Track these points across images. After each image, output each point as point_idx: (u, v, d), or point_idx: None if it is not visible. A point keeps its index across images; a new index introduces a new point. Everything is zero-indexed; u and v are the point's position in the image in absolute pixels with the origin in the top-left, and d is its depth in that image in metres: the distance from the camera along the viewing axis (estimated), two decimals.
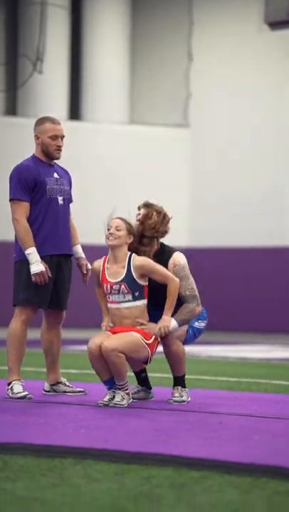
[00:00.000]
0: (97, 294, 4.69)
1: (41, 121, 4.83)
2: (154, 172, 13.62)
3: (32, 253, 4.62)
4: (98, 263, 4.66)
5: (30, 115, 12.99)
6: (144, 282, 4.57)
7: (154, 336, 4.49)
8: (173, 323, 4.49)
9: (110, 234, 4.58)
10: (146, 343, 4.46)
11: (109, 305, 4.62)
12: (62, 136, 4.78)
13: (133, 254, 4.59)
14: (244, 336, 12.69)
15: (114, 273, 4.59)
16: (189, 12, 14.13)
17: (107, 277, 4.60)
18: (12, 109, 14.08)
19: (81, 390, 4.89)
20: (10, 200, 4.72)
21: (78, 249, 4.96)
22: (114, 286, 4.56)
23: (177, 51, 14.30)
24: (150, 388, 4.79)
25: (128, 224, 4.62)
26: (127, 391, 4.49)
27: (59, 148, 4.76)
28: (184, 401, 4.58)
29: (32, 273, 4.59)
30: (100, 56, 14.09)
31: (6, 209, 4.89)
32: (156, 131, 14.02)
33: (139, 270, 4.55)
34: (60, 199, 4.75)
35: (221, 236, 13.75)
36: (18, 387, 4.62)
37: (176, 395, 4.61)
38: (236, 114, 13.88)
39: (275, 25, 13.39)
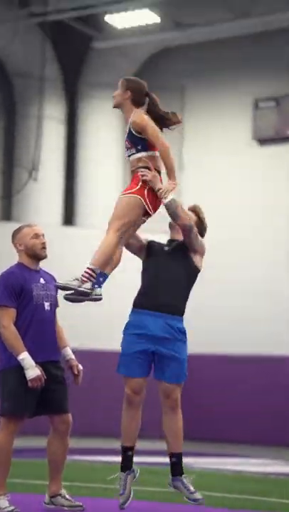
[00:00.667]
0: None
1: (17, 229, 4.88)
2: None
3: (26, 358, 4.55)
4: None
5: (25, 221, 13.16)
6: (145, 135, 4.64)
7: (140, 183, 4.63)
8: (174, 196, 4.69)
9: (113, 96, 4.88)
10: (131, 192, 4.59)
11: None
12: (43, 235, 4.83)
13: (135, 110, 4.72)
14: (239, 447, 12.37)
15: (125, 131, 4.79)
16: (179, 127, 14.53)
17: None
18: (7, 215, 14.27)
19: (79, 504, 4.69)
20: None
21: (67, 351, 4.91)
22: (125, 144, 4.78)
23: None
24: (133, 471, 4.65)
25: (125, 80, 4.86)
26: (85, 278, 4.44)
27: (44, 246, 4.79)
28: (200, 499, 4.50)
29: (28, 378, 4.51)
30: (94, 163, 14.39)
31: None
32: (149, 238, 14.12)
33: (135, 126, 4.66)
34: (46, 305, 4.72)
35: (215, 342, 13.61)
36: (3, 502, 4.45)
37: (192, 489, 4.51)
38: (227, 225, 14.01)
39: (263, 141, 13.83)
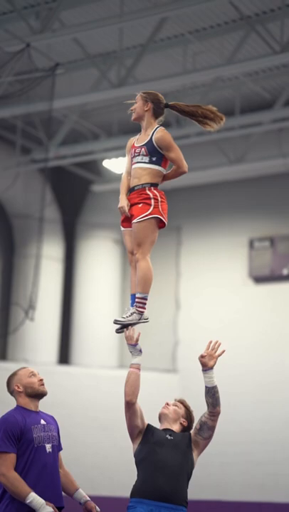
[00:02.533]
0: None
1: (13, 374, 4.79)
2: (144, 416, 13.39)
3: (34, 498, 4.37)
4: (130, 141, 4.95)
5: (20, 360, 13.07)
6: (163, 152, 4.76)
7: (152, 202, 4.70)
8: None
9: (131, 110, 4.95)
10: (148, 214, 4.68)
11: (132, 170, 4.83)
12: (38, 373, 4.78)
13: (159, 128, 4.84)
14: None
15: (140, 140, 4.88)
16: (176, 264, 14.76)
17: (135, 144, 4.89)
18: (3, 354, 14.17)
19: None
20: None
21: (81, 494, 4.76)
22: (137, 150, 4.83)
23: (165, 299, 14.72)
24: None
25: (144, 93, 4.91)
26: (142, 309, 4.68)
27: (42, 382, 4.72)
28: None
29: None
30: (91, 302, 14.47)
31: None
32: (145, 376, 14.00)
33: (158, 141, 4.73)
34: (48, 446, 4.56)
35: (212, 488, 13.21)
36: None
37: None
38: (223, 360, 13.94)
39: (259, 279, 14.01)
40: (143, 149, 4.81)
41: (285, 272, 13.81)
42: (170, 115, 12.66)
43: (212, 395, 4.70)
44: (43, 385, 4.72)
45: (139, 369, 4.80)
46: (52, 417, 4.79)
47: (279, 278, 13.86)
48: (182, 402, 4.88)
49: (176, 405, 4.82)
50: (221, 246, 14.65)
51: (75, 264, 14.84)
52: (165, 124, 13.13)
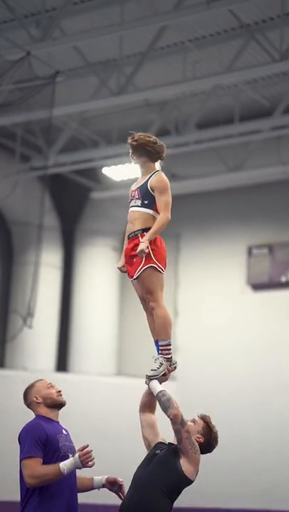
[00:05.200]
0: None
1: (30, 386, 4.81)
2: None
3: (66, 466, 4.43)
4: (132, 186, 4.88)
5: (18, 367, 13.06)
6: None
7: (143, 257, 4.60)
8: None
9: (132, 158, 4.86)
10: (143, 265, 4.62)
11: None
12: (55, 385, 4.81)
13: (158, 172, 4.76)
14: None
15: (138, 183, 4.82)
16: (175, 272, 14.76)
17: (132, 188, 4.84)
18: (0, 362, 14.15)
19: None
20: (22, 460, 4.44)
21: (97, 479, 4.82)
22: (132, 193, 4.80)
23: None
24: None
25: (134, 144, 4.78)
26: (170, 356, 4.61)
27: (60, 393, 4.75)
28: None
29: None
30: (89, 310, 14.46)
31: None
32: (142, 383, 13.99)
33: (153, 183, 4.68)
34: (70, 457, 4.51)
35: (211, 498, 13.18)
36: None
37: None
38: (222, 367, 13.95)
39: (257, 287, 14.02)
40: (137, 192, 4.76)
41: (283, 279, 13.82)
42: (169, 122, 12.73)
43: (159, 401, 4.63)
44: (61, 395, 4.76)
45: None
46: (67, 430, 4.80)
47: (277, 285, 13.86)
48: (203, 418, 4.76)
49: (193, 421, 4.70)
50: (219, 253, 14.65)
51: (73, 272, 14.83)
52: (164, 132, 13.17)
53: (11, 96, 10.88)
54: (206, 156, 13.34)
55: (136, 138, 4.83)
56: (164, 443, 4.72)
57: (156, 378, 4.64)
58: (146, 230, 4.67)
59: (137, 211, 4.72)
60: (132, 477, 4.65)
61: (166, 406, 4.53)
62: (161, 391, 4.59)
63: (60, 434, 4.60)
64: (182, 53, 10.96)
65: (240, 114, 12.30)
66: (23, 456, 4.45)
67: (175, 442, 4.62)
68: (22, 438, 4.53)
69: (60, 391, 4.76)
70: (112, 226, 14.61)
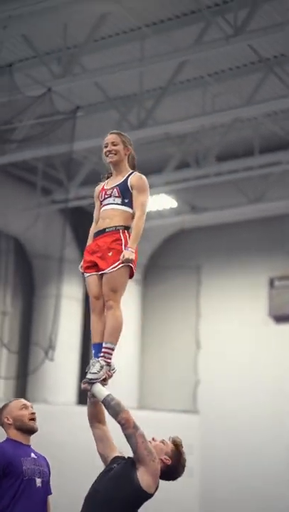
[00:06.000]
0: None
1: (4, 405, 4.55)
2: None
3: None
4: (97, 188, 4.63)
5: (40, 400, 13.04)
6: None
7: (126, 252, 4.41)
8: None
9: (109, 151, 4.54)
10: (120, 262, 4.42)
11: (100, 212, 4.54)
12: (31, 406, 4.52)
13: (135, 172, 4.54)
14: None
15: (112, 181, 4.57)
16: (197, 304, 14.74)
17: (105, 186, 4.58)
18: (22, 395, 14.13)
19: None
20: None
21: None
22: (108, 191, 4.53)
23: (185, 339, 14.67)
24: None
25: (122, 135, 4.59)
26: (110, 360, 4.34)
27: (33, 417, 4.41)
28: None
29: None
30: None
31: None
32: (165, 417, 13.92)
33: (134, 182, 4.49)
34: (38, 481, 4.28)
35: None
36: None
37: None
38: (245, 400, 13.85)
39: (279, 319, 13.95)
40: (115, 190, 4.51)
41: None
42: (189, 155, 12.79)
43: (107, 407, 4.23)
44: (33, 419, 4.42)
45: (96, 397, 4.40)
46: (43, 456, 4.50)
47: None
48: (174, 441, 4.28)
49: (162, 442, 4.25)
50: (241, 285, 14.62)
51: None
52: (184, 164, 13.23)
53: (33, 131, 11.01)
54: (226, 188, 13.39)
55: (123, 134, 4.66)
56: (122, 457, 4.31)
57: (96, 382, 4.32)
58: (127, 228, 4.46)
59: (117, 208, 4.48)
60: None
61: (117, 410, 4.14)
62: (108, 395, 4.25)
63: (25, 458, 4.29)
64: (202, 87, 11.06)
65: (260, 147, 12.35)
66: None
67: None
68: None
69: (33, 413, 4.44)
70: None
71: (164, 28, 9.65)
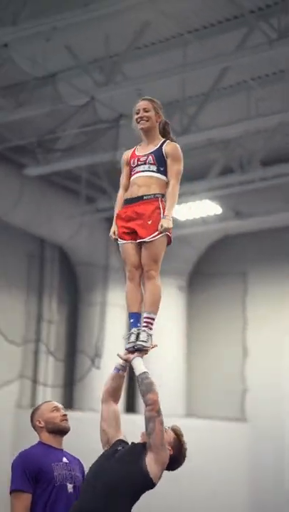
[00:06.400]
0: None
1: (35, 408, 4.51)
2: (213, 466, 13.18)
3: None
4: (126, 153, 4.51)
5: (87, 409, 13.05)
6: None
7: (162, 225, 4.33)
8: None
9: (140, 118, 4.43)
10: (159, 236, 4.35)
11: (131, 178, 4.41)
12: (63, 408, 4.48)
13: (168, 141, 4.44)
14: None
15: (144, 149, 4.44)
16: (243, 311, 14.62)
17: (136, 152, 4.45)
18: (69, 403, 14.18)
19: None
20: (10, 493, 4.15)
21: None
22: (141, 158, 4.40)
23: (232, 347, 14.56)
24: None
25: (153, 102, 4.48)
26: (152, 330, 4.20)
27: (65, 418, 4.38)
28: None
29: None
30: (156, 353, 14.38)
31: None
32: (214, 425, 13.83)
33: (169, 150, 4.38)
34: (69, 486, 4.21)
35: None
36: None
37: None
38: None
39: None
40: (150, 157, 4.40)
41: None
42: (233, 160, 12.70)
43: (140, 383, 4.16)
44: (65, 420, 4.38)
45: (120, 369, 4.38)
46: (77, 459, 4.45)
47: None
48: (174, 430, 4.18)
49: (165, 431, 4.11)
50: (287, 291, 14.47)
51: None
52: (228, 170, 13.14)
53: (76, 140, 11.06)
54: (271, 193, 13.27)
55: (155, 101, 4.55)
56: (125, 441, 4.21)
57: (147, 349, 4.30)
58: (163, 196, 4.40)
59: (153, 176, 4.37)
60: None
61: (148, 389, 4.09)
62: (145, 372, 4.22)
63: (57, 463, 4.24)
64: (245, 92, 10.98)
65: None
66: (11, 489, 4.18)
67: (141, 441, 4.11)
68: (12, 467, 4.22)
69: (65, 415, 4.40)
70: (178, 266, 14.59)
71: (206, 34, 9.61)
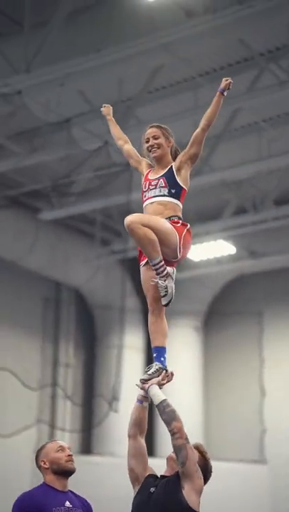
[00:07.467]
0: None
1: (41, 448, 4.34)
2: (233, 508, 12.97)
3: None
4: (147, 160, 4.35)
5: (106, 453, 12.93)
6: (183, 183, 4.25)
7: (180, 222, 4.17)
8: None
9: (151, 146, 4.33)
10: (174, 227, 4.08)
11: (143, 205, 4.26)
12: (69, 448, 4.32)
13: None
14: None
15: (156, 172, 4.30)
16: (259, 350, 14.53)
17: (149, 175, 4.31)
18: (87, 448, 14.06)
19: None
20: None
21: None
22: (152, 182, 4.26)
23: (250, 387, 14.44)
24: None
25: (161, 128, 4.38)
26: (164, 273, 4.13)
27: (70, 458, 4.20)
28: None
29: None
30: (173, 392, 14.29)
31: None
32: (233, 468, 13.65)
33: (178, 164, 4.24)
34: None
35: None
36: None
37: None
38: None
39: None
40: (162, 180, 4.25)
41: None
42: (246, 200, 12.75)
43: (161, 412, 4.03)
44: (71, 461, 4.19)
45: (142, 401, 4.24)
46: (83, 500, 4.27)
47: None
48: (197, 447, 4.02)
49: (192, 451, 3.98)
50: None
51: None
52: (241, 210, 13.13)
53: (90, 183, 11.16)
54: (285, 232, 13.29)
55: (163, 126, 4.47)
56: (155, 475, 4.06)
57: (153, 377, 4.17)
58: (180, 218, 4.29)
59: (164, 200, 4.24)
60: None
61: (172, 417, 3.95)
62: (165, 400, 4.05)
63: (58, 507, 4.04)
64: (257, 133, 11.07)
65: None
66: None
67: (167, 474, 3.97)
68: (12, 508, 4.04)
69: (70, 455, 4.22)
70: (193, 306, 14.56)
71: (217, 76, 9.73)
